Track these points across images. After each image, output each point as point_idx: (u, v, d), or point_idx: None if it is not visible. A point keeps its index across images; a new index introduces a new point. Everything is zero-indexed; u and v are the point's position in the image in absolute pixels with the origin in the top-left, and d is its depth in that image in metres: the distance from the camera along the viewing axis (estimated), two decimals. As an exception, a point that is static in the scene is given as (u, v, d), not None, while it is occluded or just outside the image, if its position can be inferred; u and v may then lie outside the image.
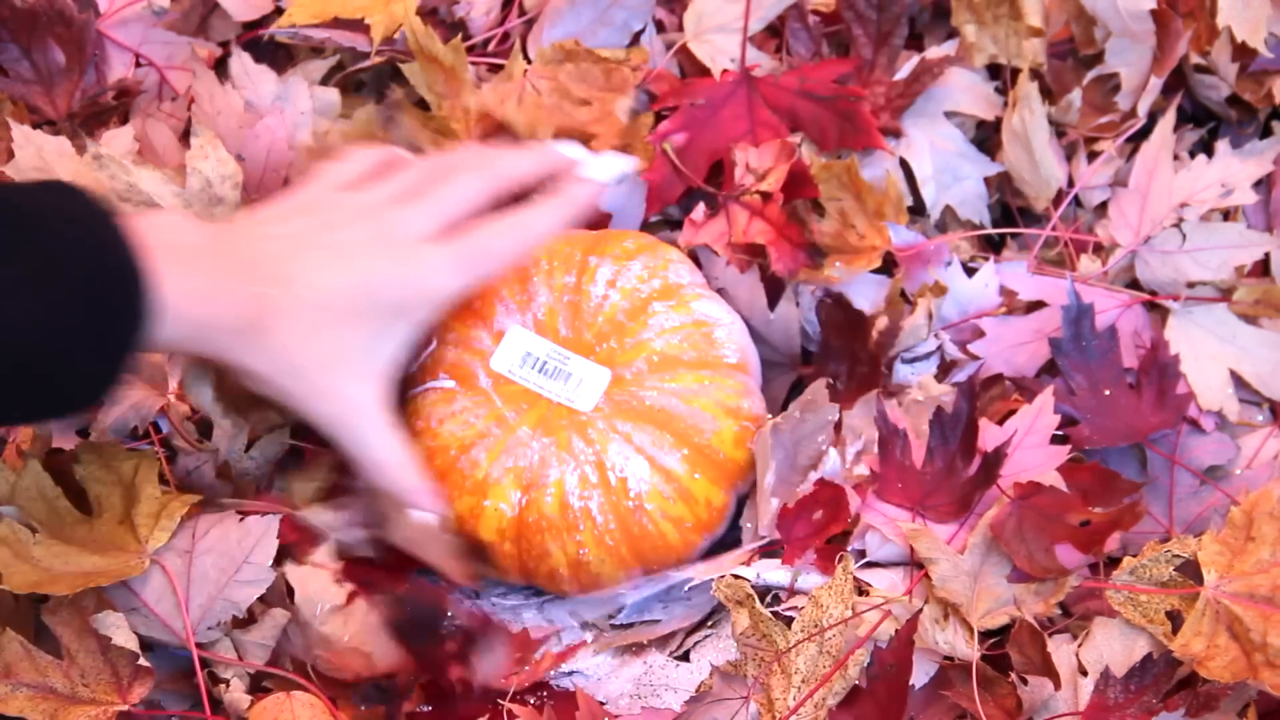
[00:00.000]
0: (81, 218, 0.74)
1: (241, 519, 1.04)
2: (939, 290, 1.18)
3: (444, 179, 0.95)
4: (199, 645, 1.01)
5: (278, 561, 1.03)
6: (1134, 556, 1.01)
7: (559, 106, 1.27)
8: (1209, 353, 1.17)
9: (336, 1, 1.26)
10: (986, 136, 1.29)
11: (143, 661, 0.99)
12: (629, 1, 1.31)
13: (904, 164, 1.26)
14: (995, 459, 1.04)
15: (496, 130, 1.26)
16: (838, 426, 1.12)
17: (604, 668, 1.08)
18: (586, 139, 1.26)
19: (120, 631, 0.99)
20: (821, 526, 1.07)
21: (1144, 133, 1.25)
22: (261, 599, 1.02)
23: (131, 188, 1.12)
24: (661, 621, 1.10)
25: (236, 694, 1.00)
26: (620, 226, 1.26)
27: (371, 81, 1.34)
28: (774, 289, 1.21)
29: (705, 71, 1.28)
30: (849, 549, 1.06)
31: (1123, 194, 1.24)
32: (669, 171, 1.25)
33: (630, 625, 1.12)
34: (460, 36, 1.25)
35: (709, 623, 1.09)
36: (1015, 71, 1.26)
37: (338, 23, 1.28)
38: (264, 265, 0.85)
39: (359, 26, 1.25)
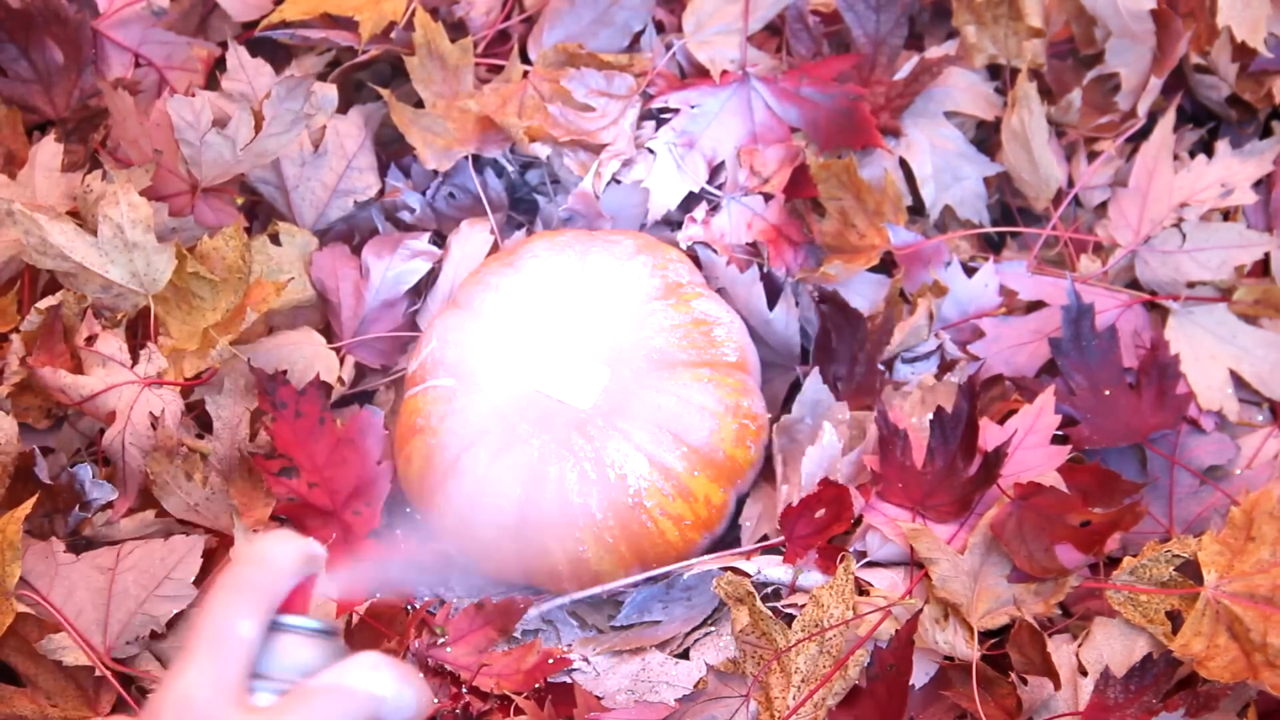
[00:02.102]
0: None
1: (166, 539, 1.05)
2: (939, 290, 1.18)
3: None
4: (118, 660, 1.01)
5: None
6: (1134, 556, 1.01)
7: (561, 113, 1.27)
8: (1209, 353, 1.17)
9: (328, -1, 1.26)
10: (986, 136, 1.29)
11: (100, 673, 0.99)
12: (629, 2, 1.31)
13: (903, 164, 1.26)
14: (996, 459, 1.04)
15: (494, 131, 1.26)
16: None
17: (602, 664, 1.07)
18: (592, 147, 1.26)
19: (69, 652, 0.99)
20: (824, 525, 1.07)
21: (1144, 133, 1.25)
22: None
23: (44, 241, 1.10)
24: (661, 623, 1.10)
25: None
26: (620, 226, 1.26)
27: (370, 79, 1.34)
28: (773, 289, 1.21)
29: (705, 72, 1.28)
30: (850, 549, 1.05)
31: (1123, 194, 1.24)
32: (669, 172, 1.25)
33: (630, 626, 1.11)
34: (467, 38, 1.26)
35: (709, 622, 1.09)
36: (1015, 71, 1.26)
37: (331, 21, 1.28)
38: None
39: (353, 25, 1.25)
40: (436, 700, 1.02)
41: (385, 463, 1.10)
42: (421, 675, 0.67)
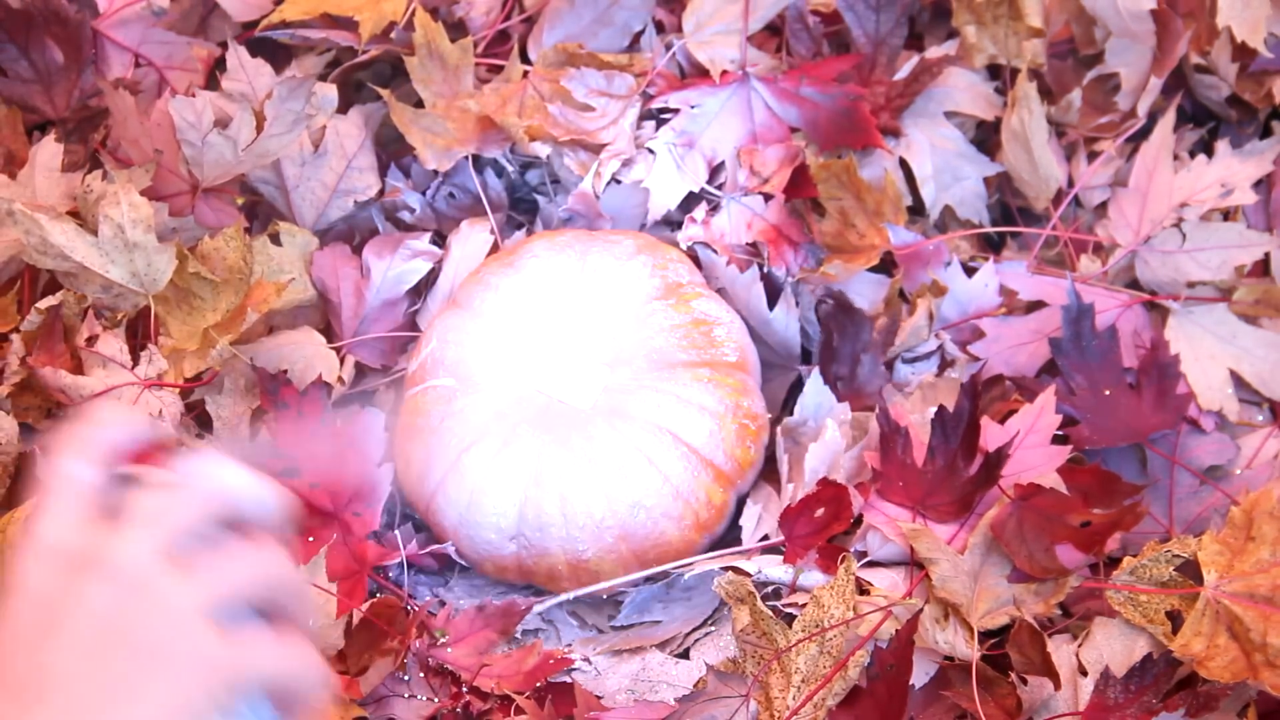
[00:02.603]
0: None
1: None
2: (938, 290, 1.18)
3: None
4: None
5: None
6: (1134, 556, 1.01)
7: (561, 112, 1.27)
8: (1209, 353, 1.17)
9: (328, -1, 1.26)
10: (986, 136, 1.29)
11: None
12: (629, 2, 1.31)
13: (903, 164, 1.26)
14: (997, 459, 1.04)
15: (494, 131, 1.26)
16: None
17: (602, 664, 1.07)
18: (592, 147, 1.26)
19: None
20: (823, 525, 1.07)
21: (1144, 133, 1.25)
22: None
23: (45, 241, 1.10)
24: (661, 623, 1.10)
25: None
26: (620, 226, 1.26)
27: (370, 79, 1.34)
28: (773, 289, 1.21)
29: (705, 72, 1.28)
30: (850, 549, 1.05)
31: (1123, 194, 1.24)
32: (669, 172, 1.25)
33: (630, 626, 1.11)
34: (467, 38, 1.26)
35: (709, 622, 1.09)
36: (1015, 71, 1.26)
37: (331, 21, 1.28)
38: None
39: (353, 25, 1.25)
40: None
41: (385, 464, 1.10)
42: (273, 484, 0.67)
